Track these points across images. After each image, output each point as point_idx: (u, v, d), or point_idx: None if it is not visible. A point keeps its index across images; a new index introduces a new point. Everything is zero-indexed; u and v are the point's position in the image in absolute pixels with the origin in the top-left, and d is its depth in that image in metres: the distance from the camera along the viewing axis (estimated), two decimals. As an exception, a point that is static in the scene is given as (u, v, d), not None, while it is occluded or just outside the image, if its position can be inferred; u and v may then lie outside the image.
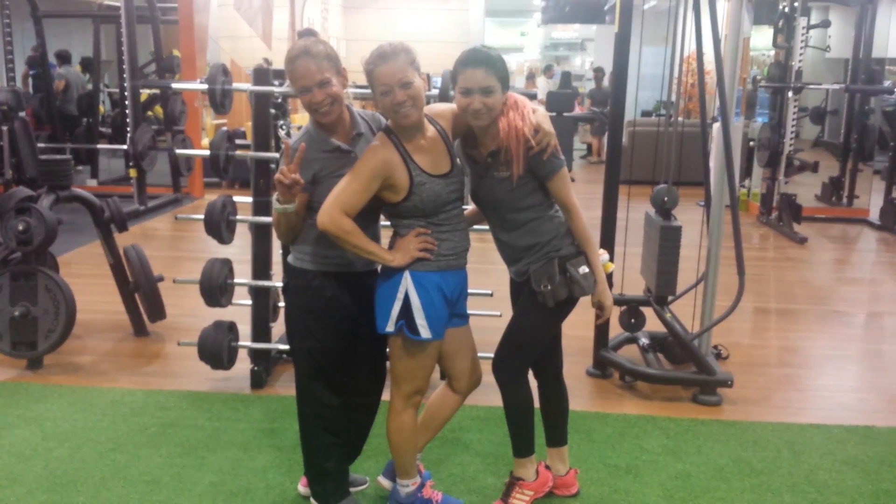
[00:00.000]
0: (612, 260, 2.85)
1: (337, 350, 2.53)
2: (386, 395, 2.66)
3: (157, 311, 4.55)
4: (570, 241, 2.54)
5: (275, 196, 2.36)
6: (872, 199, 8.72)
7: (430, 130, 2.45)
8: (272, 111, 3.71)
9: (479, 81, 2.34)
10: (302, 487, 2.85)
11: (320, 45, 2.38)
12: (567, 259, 2.50)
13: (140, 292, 4.49)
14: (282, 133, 3.73)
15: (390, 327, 2.43)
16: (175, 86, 5.05)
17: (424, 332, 2.42)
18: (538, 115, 2.43)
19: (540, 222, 2.51)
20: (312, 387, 2.56)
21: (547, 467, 2.83)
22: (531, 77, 15.30)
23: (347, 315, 2.51)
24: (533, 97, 3.14)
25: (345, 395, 2.60)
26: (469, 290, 2.65)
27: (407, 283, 2.40)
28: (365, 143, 2.43)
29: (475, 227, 2.75)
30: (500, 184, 2.46)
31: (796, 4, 7.63)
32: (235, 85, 3.74)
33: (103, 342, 4.45)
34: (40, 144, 8.04)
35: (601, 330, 3.95)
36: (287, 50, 2.40)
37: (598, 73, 14.51)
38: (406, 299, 2.39)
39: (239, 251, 4.15)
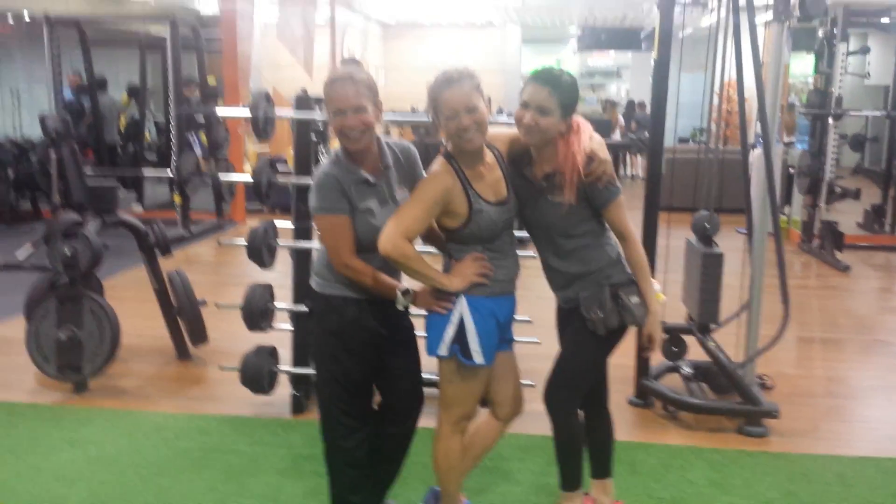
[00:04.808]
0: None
1: (361, 374, 2.50)
2: (431, 422, 2.64)
3: (200, 336, 4.60)
4: (622, 268, 2.51)
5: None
6: (917, 227, 8.56)
7: (489, 156, 2.45)
8: (313, 138, 3.76)
9: (539, 100, 2.33)
10: None
11: (363, 73, 2.41)
12: (619, 287, 2.47)
13: (183, 316, 4.55)
14: (322, 159, 3.78)
15: (443, 351, 2.42)
16: (219, 112, 5.12)
17: (478, 358, 2.40)
18: (594, 141, 2.40)
19: (591, 249, 2.49)
20: (335, 414, 2.52)
21: (593, 501, 2.78)
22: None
23: (372, 338, 2.47)
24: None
25: (367, 426, 2.56)
26: (510, 316, 2.64)
27: (462, 307, 2.39)
28: (391, 176, 2.44)
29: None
30: (553, 208, 2.44)
31: (836, 31, 7.57)
32: (278, 112, 3.79)
33: (147, 366, 4.51)
34: (87, 171, 8.20)
35: (643, 359, 3.90)
36: (328, 74, 2.43)
37: (632, 105, 14.84)
38: (461, 324, 2.39)
39: (280, 276, 4.19)
